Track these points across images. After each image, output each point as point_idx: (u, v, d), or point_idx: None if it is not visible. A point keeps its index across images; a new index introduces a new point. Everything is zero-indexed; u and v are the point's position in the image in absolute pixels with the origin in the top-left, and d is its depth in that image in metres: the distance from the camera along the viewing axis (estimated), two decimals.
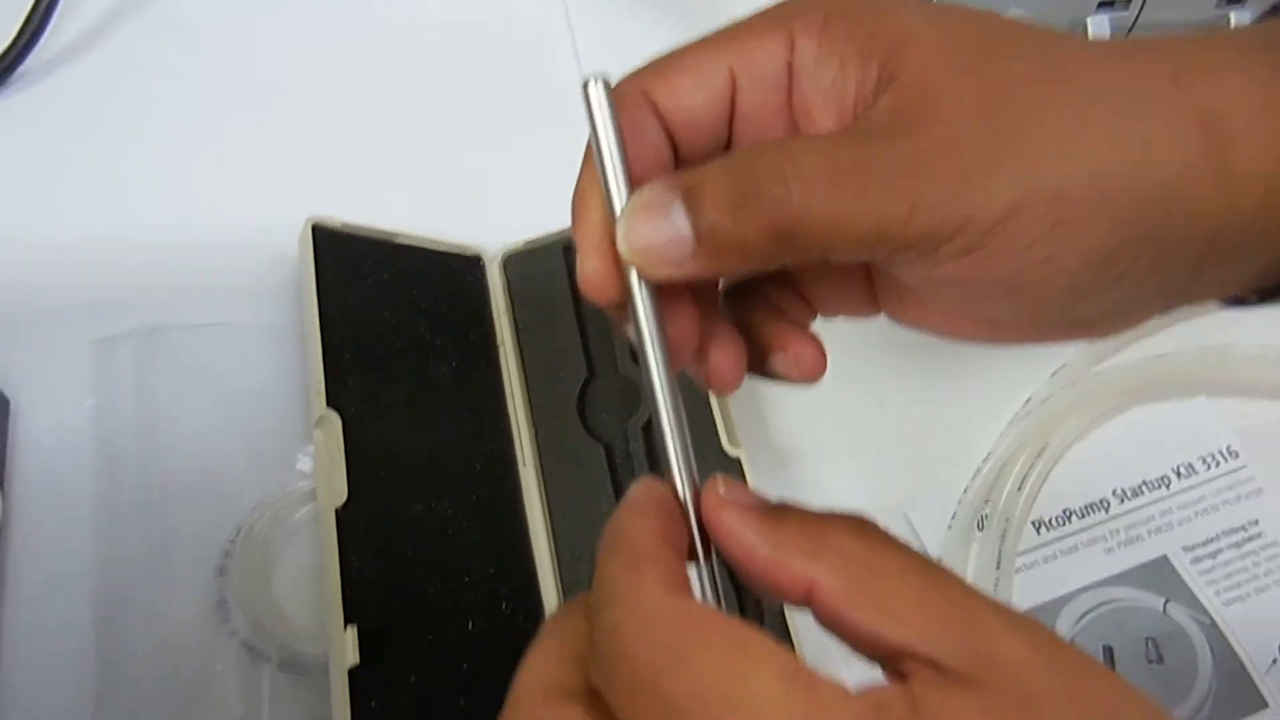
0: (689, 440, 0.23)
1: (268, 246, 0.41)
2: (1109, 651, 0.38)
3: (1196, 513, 0.41)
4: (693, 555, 0.22)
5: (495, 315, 0.42)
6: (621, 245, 0.22)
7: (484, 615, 0.34)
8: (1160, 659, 0.38)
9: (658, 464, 0.38)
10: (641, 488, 0.22)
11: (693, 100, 0.23)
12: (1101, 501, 0.41)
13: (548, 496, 0.38)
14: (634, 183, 0.22)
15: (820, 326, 0.29)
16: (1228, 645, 0.38)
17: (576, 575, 0.37)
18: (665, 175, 0.22)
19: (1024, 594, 0.39)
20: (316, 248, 0.38)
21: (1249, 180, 0.22)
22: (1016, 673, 0.19)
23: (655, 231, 0.22)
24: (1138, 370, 0.43)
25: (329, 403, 0.35)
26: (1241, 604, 0.39)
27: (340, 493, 0.34)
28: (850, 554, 0.20)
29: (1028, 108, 0.22)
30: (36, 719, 0.35)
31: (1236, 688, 0.37)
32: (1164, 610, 0.39)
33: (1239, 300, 0.25)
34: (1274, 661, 0.38)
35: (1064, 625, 0.39)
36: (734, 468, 0.37)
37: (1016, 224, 0.21)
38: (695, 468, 0.23)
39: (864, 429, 0.42)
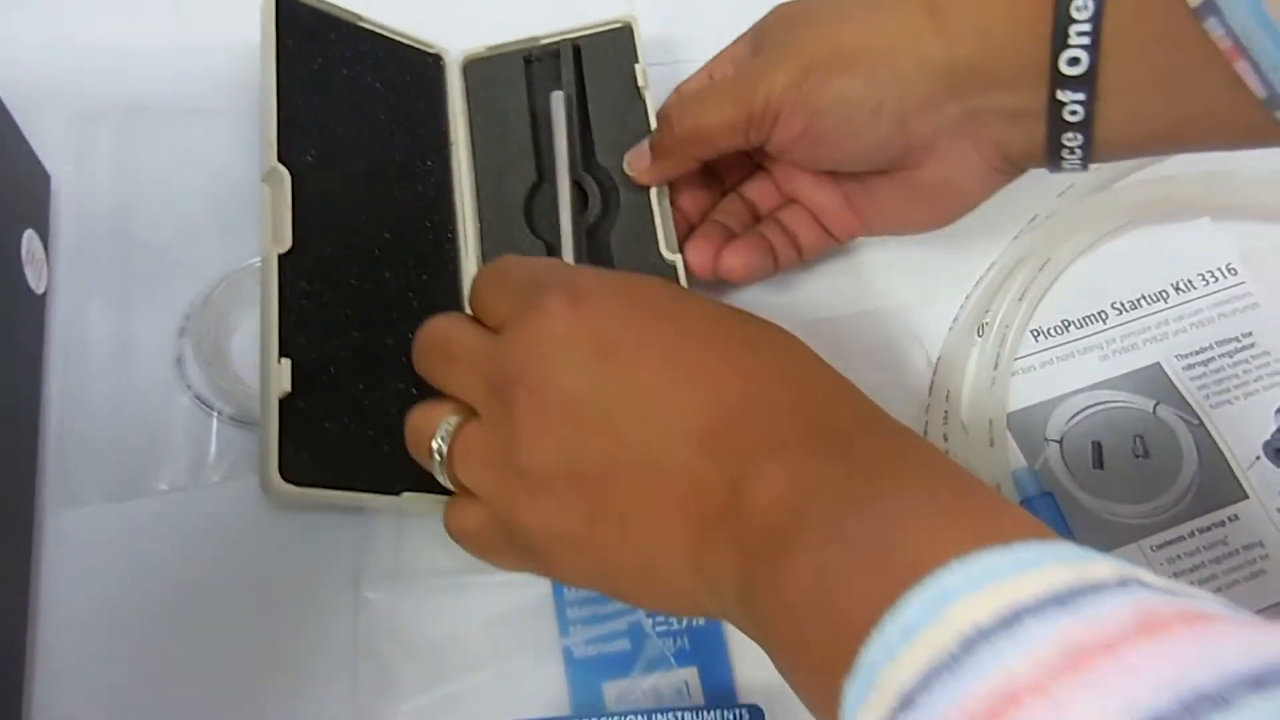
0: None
1: (244, 38, 0.40)
2: (1098, 446, 0.40)
3: (1192, 324, 0.42)
4: None
5: (451, 115, 0.43)
6: (625, 167, 0.40)
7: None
8: (1146, 454, 0.40)
9: (597, 265, 0.40)
10: None
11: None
12: (1100, 313, 0.43)
13: None
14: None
15: None
16: (1213, 443, 0.40)
17: None
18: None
19: (1019, 394, 0.41)
20: (279, 13, 0.38)
21: (963, 37, 0.34)
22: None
23: (637, 156, 0.40)
24: (1143, 190, 0.44)
25: (279, 158, 0.36)
26: (1229, 406, 0.40)
27: (285, 240, 0.35)
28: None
29: (810, 28, 0.36)
30: None
31: (1219, 481, 0.39)
32: (1154, 411, 0.40)
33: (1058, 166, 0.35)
34: (1257, 458, 0.40)
35: (1056, 422, 0.40)
36: (669, 272, 0.39)
37: (792, 92, 0.35)
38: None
39: (871, 240, 0.43)
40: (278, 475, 0.32)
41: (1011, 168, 0.36)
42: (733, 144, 0.37)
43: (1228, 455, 0.40)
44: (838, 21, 0.36)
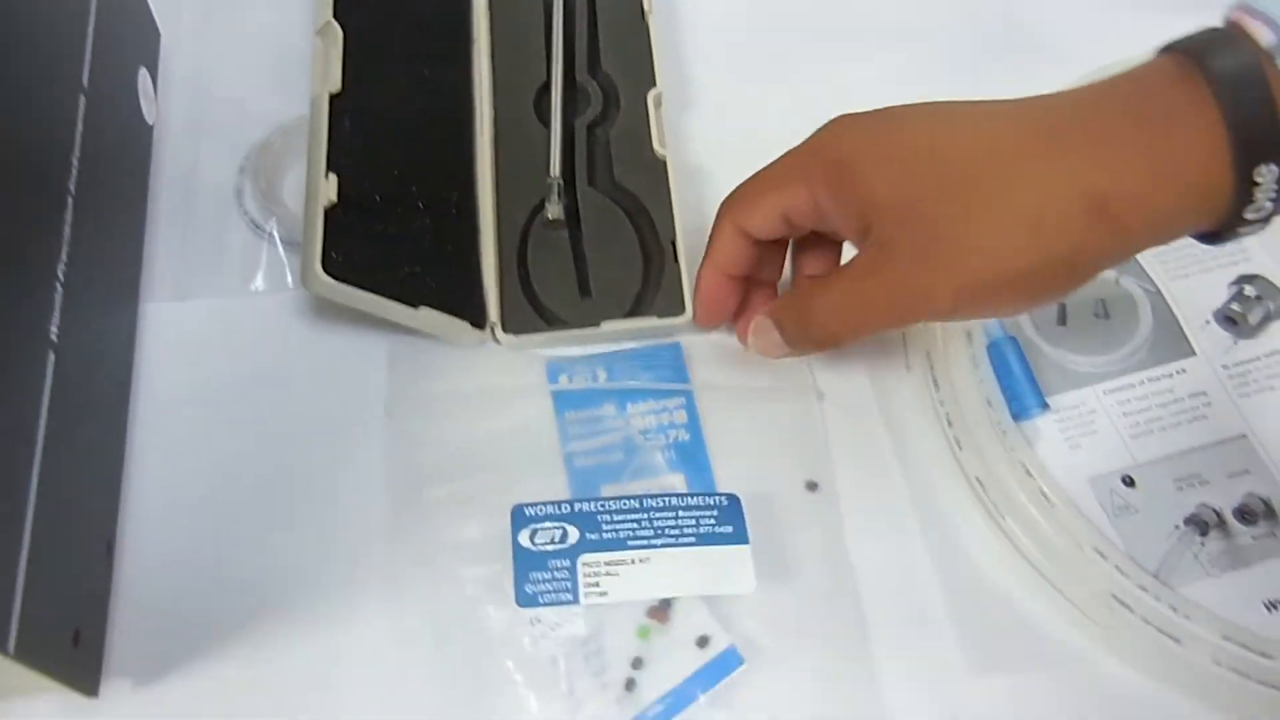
0: None
1: None
2: (1062, 306, 0.44)
3: None
4: None
5: (475, 16, 0.48)
6: (751, 346, 0.40)
7: (436, 220, 0.41)
8: (1107, 315, 0.44)
9: (594, 155, 0.46)
10: None
11: (762, 225, 0.39)
12: None
13: (496, 159, 0.45)
14: (726, 272, 0.41)
15: None
16: (1168, 308, 0.44)
17: (512, 207, 0.44)
18: (767, 308, 0.40)
19: None
20: None
21: (1140, 231, 0.32)
22: None
23: (770, 344, 0.39)
24: None
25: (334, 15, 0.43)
26: (1185, 280, 0.45)
27: (335, 82, 0.41)
28: None
29: (960, 232, 0.32)
30: None
31: (1170, 340, 0.44)
32: (1116, 281, 0.45)
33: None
34: (1206, 323, 0.44)
35: None
36: (659, 166, 0.45)
37: (960, 310, 0.34)
38: None
39: None
40: (320, 267, 0.37)
41: None
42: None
43: (1180, 319, 0.44)
44: (992, 228, 0.32)
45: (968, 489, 0.41)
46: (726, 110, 0.50)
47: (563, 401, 0.42)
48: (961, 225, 0.32)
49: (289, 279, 0.44)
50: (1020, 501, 0.39)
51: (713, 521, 0.38)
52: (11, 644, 0.26)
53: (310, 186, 0.40)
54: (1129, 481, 0.41)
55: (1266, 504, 0.40)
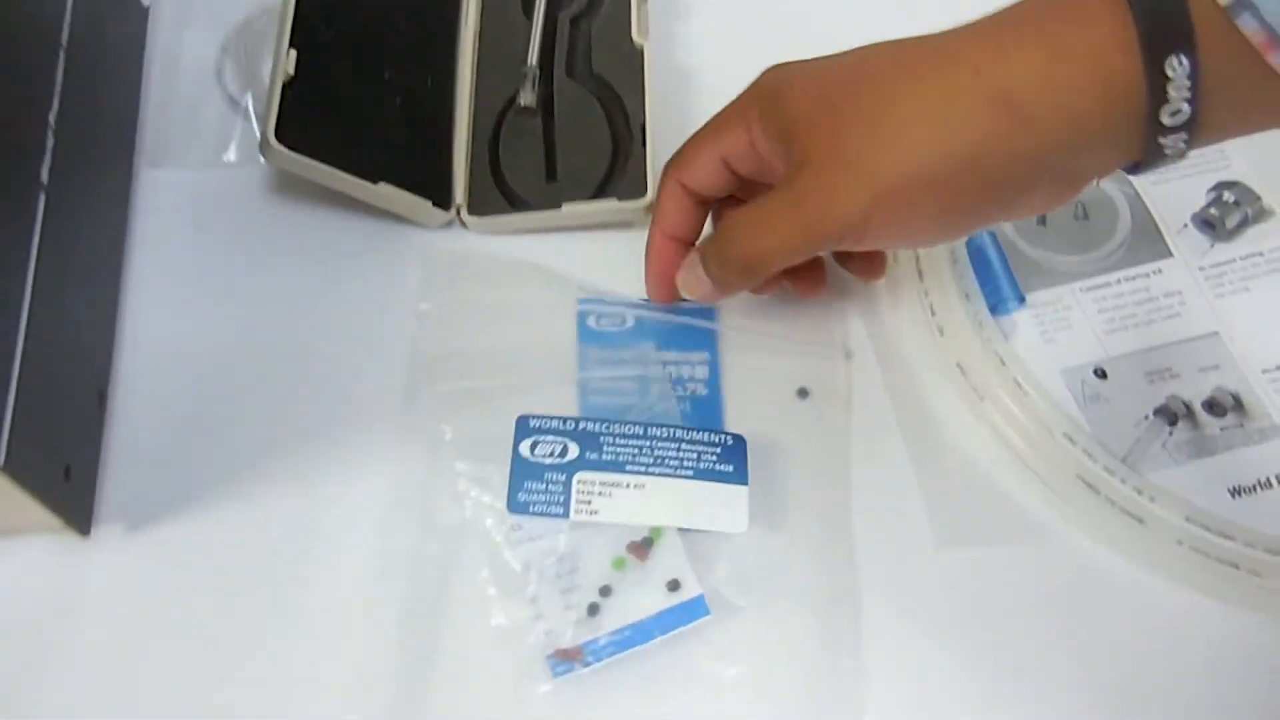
0: None
1: None
2: (1043, 216, 0.45)
3: None
4: None
5: None
6: (680, 285, 0.39)
7: (403, 100, 0.41)
8: (1086, 216, 0.45)
9: (575, 46, 0.46)
10: None
11: (704, 177, 0.38)
12: None
13: (479, 49, 0.46)
14: (671, 235, 0.39)
15: None
16: (1146, 211, 0.45)
17: (489, 95, 0.45)
18: (695, 247, 0.39)
19: None
20: None
21: (1048, 122, 0.31)
22: None
23: (694, 281, 0.38)
24: None
25: None
26: (1165, 185, 0.45)
27: None
28: None
29: (868, 134, 0.32)
30: None
31: (1148, 242, 0.44)
32: (1097, 184, 0.45)
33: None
34: (1184, 226, 0.45)
35: None
36: (637, 55, 0.45)
37: (873, 220, 0.33)
38: None
39: None
40: (274, 136, 0.38)
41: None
42: (792, 264, 0.37)
43: (1159, 222, 0.45)
44: (898, 127, 0.32)
45: (948, 376, 0.41)
46: (724, 17, 0.50)
47: (587, 335, 0.42)
48: (867, 126, 0.32)
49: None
50: (994, 389, 0.40)
51: (714, 458, 0.38)
52: (1, 456, 0.27)
53: (275, 61, 0.40)
54: (1101, 373, 0.41)
55: (1235, 398, 0.41)
